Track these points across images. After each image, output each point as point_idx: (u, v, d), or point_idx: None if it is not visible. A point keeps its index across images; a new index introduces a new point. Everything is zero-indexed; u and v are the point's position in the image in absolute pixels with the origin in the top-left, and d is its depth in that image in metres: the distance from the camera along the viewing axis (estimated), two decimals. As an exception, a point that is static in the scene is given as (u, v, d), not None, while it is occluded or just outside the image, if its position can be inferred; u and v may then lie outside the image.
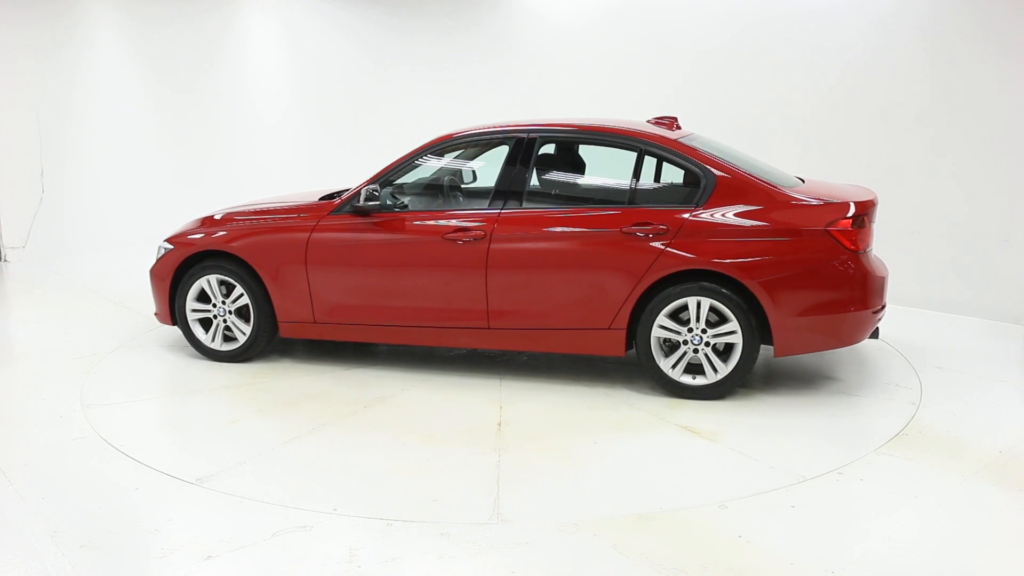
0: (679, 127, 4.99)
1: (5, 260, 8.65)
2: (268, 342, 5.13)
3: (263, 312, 5.00)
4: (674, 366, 4.42)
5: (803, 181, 4.83)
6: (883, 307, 4.48)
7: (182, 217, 9.91)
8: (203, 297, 5.13)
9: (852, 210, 4.30)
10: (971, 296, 6.19)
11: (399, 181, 4.94)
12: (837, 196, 4.45)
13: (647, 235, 4.37)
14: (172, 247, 5.18)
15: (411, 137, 5.26)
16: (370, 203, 4.73)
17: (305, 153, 10.88)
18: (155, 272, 5.23)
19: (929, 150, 6.32)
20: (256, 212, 5.16)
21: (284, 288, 4.94)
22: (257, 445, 3.91)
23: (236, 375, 4.94)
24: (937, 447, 3.84)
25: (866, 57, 6.54)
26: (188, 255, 5.10)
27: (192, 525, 3.13)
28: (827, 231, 4.25)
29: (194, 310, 5.14)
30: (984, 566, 2.88)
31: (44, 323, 6.22)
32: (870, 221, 4.47)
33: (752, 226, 4.31)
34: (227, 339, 5.16)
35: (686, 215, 4.37)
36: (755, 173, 4.51)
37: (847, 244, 4.25)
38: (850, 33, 6.61)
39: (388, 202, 4.80)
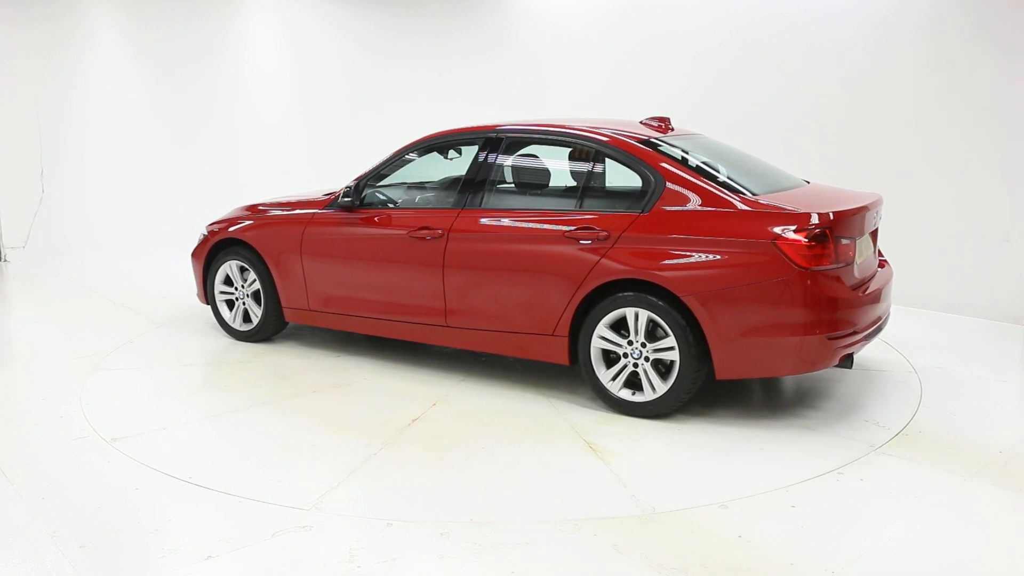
0: (671, 128, 4.80)
1: (5, 260, 8.65)
2: (278, 326, 5.52)
3: (271, 298, 5.40)
4: (614, 379, 4.20)
5: (808, 183, 4.69)
6: (853, 332, 3.97)
7: (182, 217, 9.98)
8: (229, 280, 5.63)
9: (810, 222, 3.84)
10: (971, 296, 6.19)
11: (382, 178, 5.13)
12: (808, 205, 4.01)
13: (588, 241, 4.19)
14: (207, 233, 5.72)
15: (411, 137, 5.27)
16: (345, 199, 5.03)
17: (305, 153, 10.88)
18: (193, 255, 5.81)
19: (929, 150, 6.32)
20: (273, 204, 5.56)
21: (285, 276, 5.30)
22: (181, 415, 3.99)
23: (237, 373, 4.94)
24: (937, 447, 3.84)
25: (866, 57, 6.54)
26: (217, 240, 5.60)
27: (192, 525, 3.13)
28: (774, 244, 3.84)
29: (221, 292, 5.65)
30: (984, 566, 2.88)
31: (44, 323, 6.22)
32: (854, 233, 4.05)
33: (694, 236, 3.99)
34: (245, 320, 5.61)
35: (629, 221, 4.15)
36: (731, 177, 4.24)
37: (796, 260, 3.79)
38: (850, 33, 6.61)
39: (362, 199, 5.03)
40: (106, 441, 3.94)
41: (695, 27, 7.58)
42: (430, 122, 6.17)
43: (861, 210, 4.15)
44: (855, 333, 3.99)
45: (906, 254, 6.37)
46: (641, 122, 4.87)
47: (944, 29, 6.13)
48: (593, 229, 4.20)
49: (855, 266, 4.07)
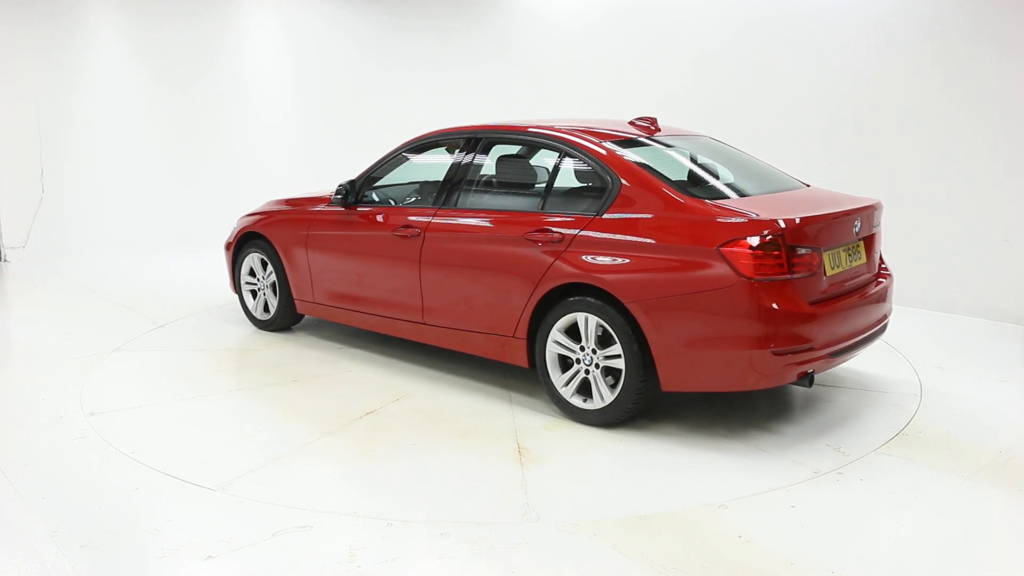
0: (658, 128, 4.72)
1: (5, 260, 8.65)
2: (293, 317, 5.75)
3: (285, 290, 5.65)
4: (567, 384, 4.14)
5: (807, 186, 4.61)
6: (809, 349, 3.70)
7: (182, 217, 9.99)
8: (253, 271, 5.90)
9: (759, 229, 3.62)
10: (971, 296, 6.19)
11: (375, 178, 5.26)
12: (775, 211, 3.81)
13: (544, 243, 4.15)
14: (238, 225, 5.97)
15: (411, 136, 5.29)
16: (337, 197, 5.23)
17: (305, 153, 10.89)
18: (225, 246, 6.11)
19: (929, 150, 6.32)
20: (298, 200, 5.72)
21: (294, 270, 5.53)
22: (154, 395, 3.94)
23: (237, 371, 4.94)
24: (937, 447, 3.84)
25: (867, 57, 6.54)
26: (243, 232, 5.88)
27: (192, 525, 3.13)
28: (719, 251, 3.65)
29: (247, 283, 5.94)
30: (984, 566, 2.88)
31: (44, 323, 6.22)
32: (822, 243, 3.82)
33: (641, 240, 3.87)
34: (265, 310, 5.88)
35: (583, 223, 4.07)
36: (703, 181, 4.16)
37: (741, 269, 3.59)
38: (850, 33, 6.61)
39: (358, 197, 5.19)
40: (106, 441, 3.94)
41: (695, 27, 7.58)
42: (430, 122, 6.18)
43: (833, 217, 3.93)
44: (811, 350, 3.71)
45: (906, 254, 6.38)
46: (630, 122, 4.81)
47: (945, 29, 6.13)
48: (550, 231, 4.15)
49: (824, 278, 3.83)
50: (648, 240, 3.86)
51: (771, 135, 7.11)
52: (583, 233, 4.04)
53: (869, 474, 3.56)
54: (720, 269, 3.63)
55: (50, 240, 8.93)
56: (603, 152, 4.22)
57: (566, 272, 4.04)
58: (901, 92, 6.40)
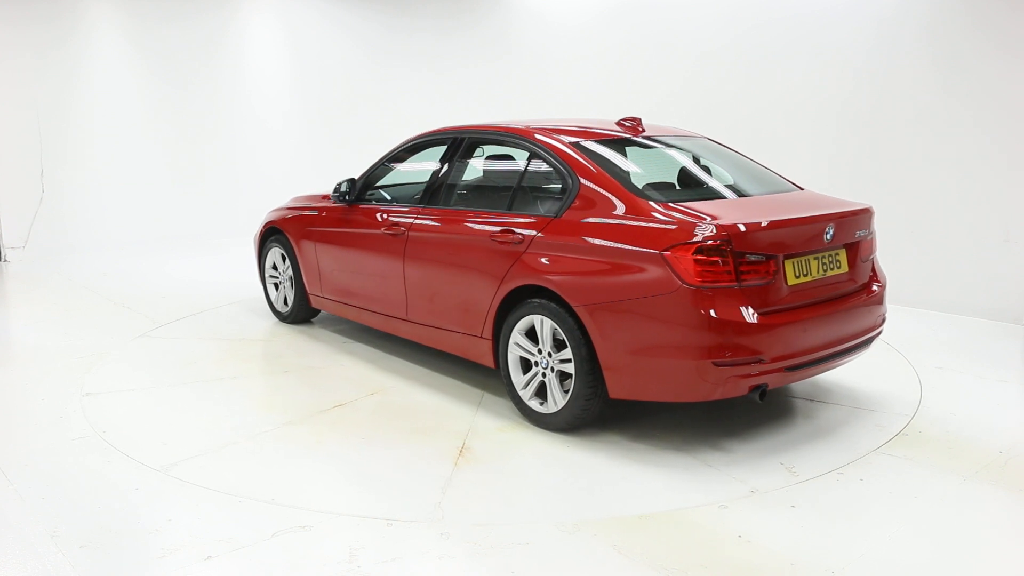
0: (642, 128, 4.62)
1: (5, 260, 8.65)
2: (309, 310, 5.92)
3: (300, 283, 5.85)
4: (526, 386, 4.11)
5: (801, 189, 4.48)
6: (757, 362, 3.50)
7: (182, 217, 9.99)
8: (276, 265, 6.10)
9: (704, 234, 3.47)
10: (971, 296, 6.19)
11: (373, 176, 5.38)
12: (736, 215, 3.65)
13: (507, 244, 4.13)
14: (264, 219, 6.16)
15: (410, 135, 5.30)
16: (334, 194, 5.43)
17: (305, 152, 10.88)
18: (254, 239, 6.32)
19: (929, 150, 6.32)
20: (312, 196, 5.90)
21: (306, 264, 5.72)
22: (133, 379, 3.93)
23: (241, 361, 4.95)
24: (937, 447, 3.84)
25: (867, 57, 6.54)
26: (267, 226, 6.08)
27: (192, 525, 3.13)
28: (662, 256, 3.52)
29: (270, 276, 6.17)
30: (984, 566, 2.88)
31: (44, 323, 6.22)
32: (781, 250, 3.62)
33: (593, 242, 3.78)
34: (285, 303, 6.07)
35: (543, 224, 4.02)
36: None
37: (682, 275, 3.45)
38: (851, 33, 6.61)
39: (357, 195, 5.33)
40: (106, 441, 3.94)
41: (695, 28, 7.58)
42: (430, 121, 6.19)
43: (794, 223, 3.72)
44: (760, 363, 3.51)
45: (906, 254, 6.38)
46: (617, 123, 4.73)
47: (945, 29, 6.14)
48: (512, 232, 4.14)
49: (784, 287, 3.64)
50: (600, 242, 3.76)
51: (772, 135, 7.11)
52: (541, 235, 3.99)
53: (869, 474, 3.55)
54: (663, 274, 3.50)
55: (50, 240, 8.93)
56: (566, 152, 4.16)
57: (524, 274, 4.02)
58: (902, 92, 6.40)
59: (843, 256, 3.97)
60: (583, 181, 3.98)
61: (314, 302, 5.78)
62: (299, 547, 2.97)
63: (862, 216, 4.07)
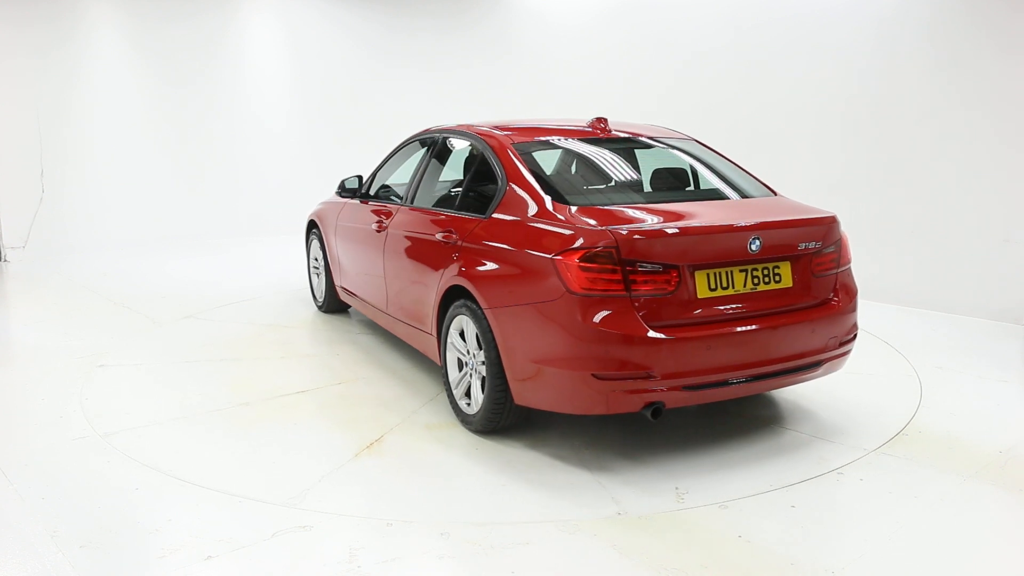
0: (608, 129, 4.45)
1: (5, 260, 8.65)
2: (339, 302, 6.11)
3: (328, 274, 6.10)
4: (457, 386, 4.08)
5: (775, 194, 4.21)
6: (647, 377, 3.28)
7: (182, 217, 9.99)
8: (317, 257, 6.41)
9: (593, 239, 3.33)
10: (971, 296, 6.19)
11: (376, 174, 5.57)
12: (639, 221, 3.48)
13: (448, 243, 4.13)
14: (311, 212, 6.43)
15: (410, 134, 5.33)
16: (337, 191, 5.74)
17: (307, 152, 10.88)
18: (305, 231, 6.57)
19: (929, 150, 6.32)
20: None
21: (331, 256, 5.97)
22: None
23: (248, 345, 4.95)
24: (937, 447, 3.84)
25: (867, 57, 6.55)
26: (311, 219, 6.39)
27: (192, 525, 3.13)
28: (553, 261, 3.40)
29: (313, 267, 6.48)
30: (984, 566, 2.88)
31: (44, 323, 6.22)
32: (687, 260, 3.37)
33: (504, 245, 3.72)
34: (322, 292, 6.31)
35: (473, 224, 4.00)
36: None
37: (567, 281, 3.32)
38: (851, 33, 6.61)
39: (366, 191, 5.52)
40: (106, 441, 3.94)
41: (695, 28, 7.58)
42: (431, 121, 6.21)
43: (704, 232, 3.46)
44: (650, 379, 3.28)
45: (906, 254, 6.38)
46: (588, 123, 4.60)
47: (944, 30, 6.14)
48: (451, 232, 4.15)
49: (693, 299, 3.39)
50: (506, 246, 3.71)
51: (772, 135, 7.11)
52: (470, 234, 3.98)
53: (869, 474, 3.55)
54: (552, 280, 3.38)
55: (50, 240, 8.93)
56: (504, 152, 4.13)
57: (453, 273, 4.02)
58: (902, 92, 6.40)
59: (785, 269, 3.62)
60: (510, 182, 3.94)
61: (340, 294, 5.98)
62: (299, 547, 2.97)
63: (813, 227, 3.70)
